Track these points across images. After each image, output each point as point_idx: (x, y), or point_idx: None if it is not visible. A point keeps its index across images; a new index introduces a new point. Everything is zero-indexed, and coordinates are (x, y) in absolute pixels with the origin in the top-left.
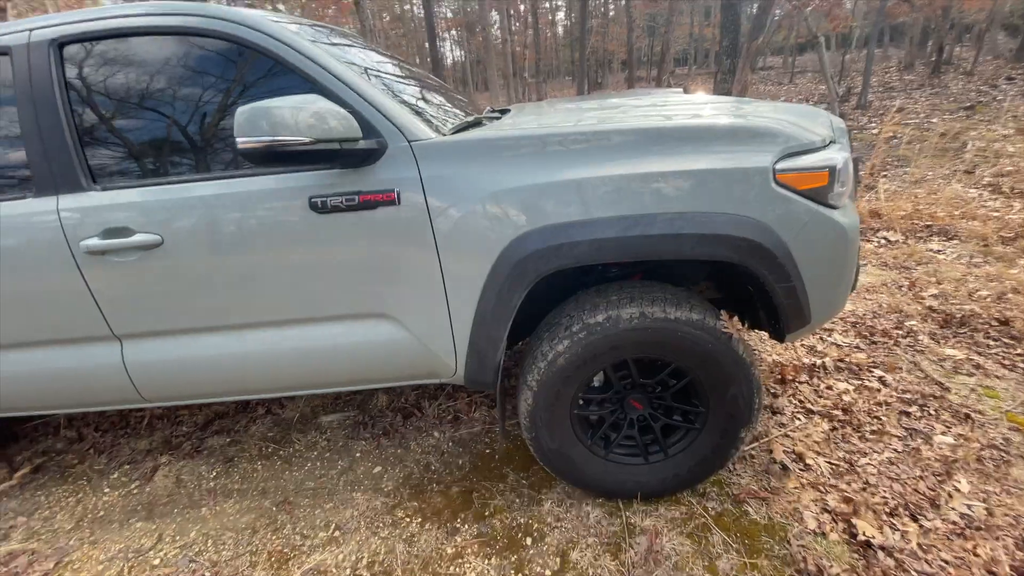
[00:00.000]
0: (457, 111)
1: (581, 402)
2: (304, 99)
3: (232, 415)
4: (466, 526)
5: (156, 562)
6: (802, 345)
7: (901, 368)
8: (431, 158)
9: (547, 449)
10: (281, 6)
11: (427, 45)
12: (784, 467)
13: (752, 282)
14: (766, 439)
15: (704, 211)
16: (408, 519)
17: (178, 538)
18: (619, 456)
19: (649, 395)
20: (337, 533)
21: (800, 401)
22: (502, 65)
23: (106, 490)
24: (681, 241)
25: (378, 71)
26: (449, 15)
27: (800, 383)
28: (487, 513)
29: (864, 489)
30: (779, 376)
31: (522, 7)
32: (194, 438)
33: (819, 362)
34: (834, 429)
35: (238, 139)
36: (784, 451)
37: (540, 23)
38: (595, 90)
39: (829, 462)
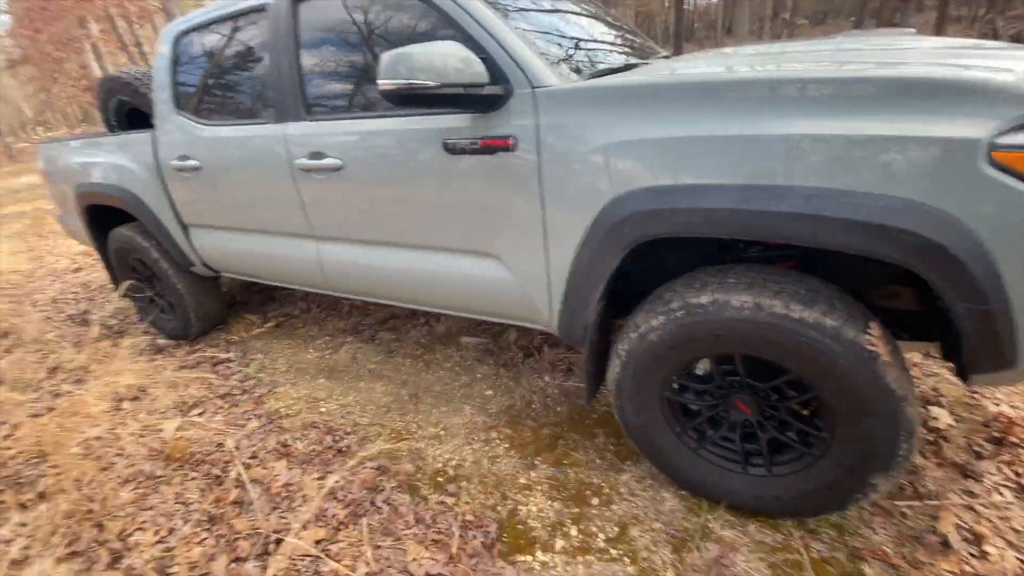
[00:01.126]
0: (624, 55)
1: (675, 386)
2: (441, 45)
3: (402, 318)
4: (544, 465)
5: (323, 410)
6: None
7: None
8: (552, 105)
9: (631, 423)
10: None
11: None
12: (946, 543)
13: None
14: (936, 502)
15: (862, 191)
16: (499, 441)
17: (341, 398)
18: (712, 455)
19: (760, 400)
20: (443, 432)
21: (1017, 474)
22: (758, 5)
23: (310, 351)
24: (819, 225)
25: (541, 14)
26: None
27: None
28: (566, 461)
29: None
30: (999, 433)
31: None
32: (372, 329)
33: None
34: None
35: (379, 81)
36: (957, 525)
37: None
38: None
39: (1022, 560)
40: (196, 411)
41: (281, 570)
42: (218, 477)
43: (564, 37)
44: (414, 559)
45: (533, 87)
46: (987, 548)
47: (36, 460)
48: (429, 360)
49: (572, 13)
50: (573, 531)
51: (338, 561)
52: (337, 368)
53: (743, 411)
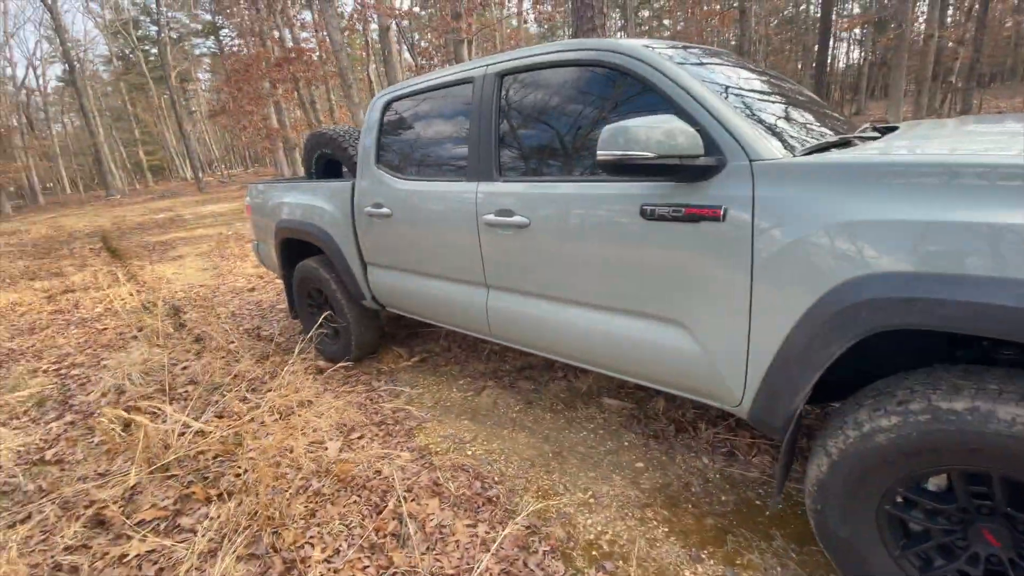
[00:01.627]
0: (824, 130)
1: (901, 499)
2: (658, 119)
3: (539, 368)
4: (712, 561)
5: (469, 452)
6: None
7: None
8: (770, 178)
9: (832, 533)
10: (666, 21)
11: (816, 48)
12: None
13: None
14: None
15: None
16: (656, 523)
17: (485, 443)
18: None
19: (1017, 532)
20: (592, 500)
21: None
22: (917, 66)
23: (454, 390)
24: None
25: (740, 88)
26: (856, 10)
27: None
28: (738, 561)
29: None
30: None
31: None
32: (511, 376)
33: None
34: None
35: (599, 152)
36: None
37: (999, 10)
38: None
39: None
40: (355, 435)
41: None
42: (377, 505)
43: (765, 111)
44: None
45: (751, 159)
46: None
47: (222, 459)
48: (571, 417)
49: (772, 85)
50: None
51: None
52: (480, 411)
53: (990, 543)
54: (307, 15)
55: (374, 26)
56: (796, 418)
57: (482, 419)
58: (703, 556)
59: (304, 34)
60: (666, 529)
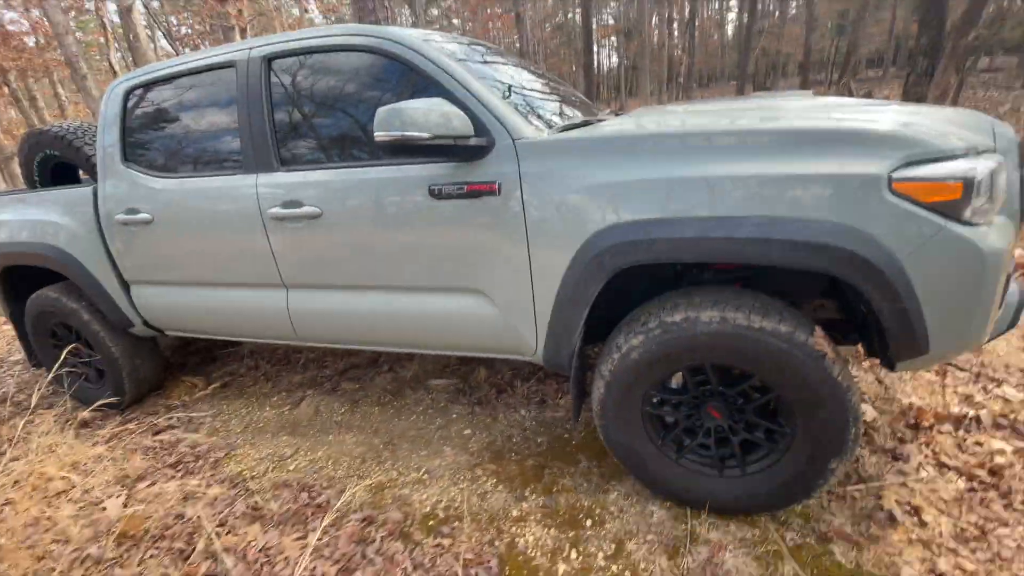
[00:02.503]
0: (576, 113)
1: (655, 400)
2: (431, 102)
3: (364, 367)
4: (533, 496)
5: (291, 467)
6: (955, 391)
7: None
8: (531, 155)
9: (615, 440)
10: (456, 20)
11: (583, 52)
12: (892, 517)
13: (863, 300)
14: (877, 484)
15: (800, 217)
16: (485, 478)
17: (309, 453)
18: (691, 463)
19: (730, 406)
20: (426, 476)
21: (935, 452)
22: (657, 70)
23: (267, 408)
24: (770, 247)
25: (511, 81)
26: (611, 22)
27: (940, 432)
28: (555, 489)
29: (992, 561)
30: (913, 420)
31: (687, 9)
32: (333, 380)
33: (973, 413)
34: (972, 490)
35: (376, 133)
36: (898, 501)
37: (708, 25)
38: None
39: (955, 524)
40: (144, 483)
41: None
42: (183, 551)
43: (526, 98)
44: None
45: (513, 139)
46: (925, 518)
47: None
48: (399, 406)
49: (527, 71)
50: (573, 554)
51: None
52: (300, 423)
53: (715, 417)
54: None
55: (113, 6)
56: (578, 353)
57: (303, 431)
58: (527, 494)
59: (9, 14)
60: (494, 481)
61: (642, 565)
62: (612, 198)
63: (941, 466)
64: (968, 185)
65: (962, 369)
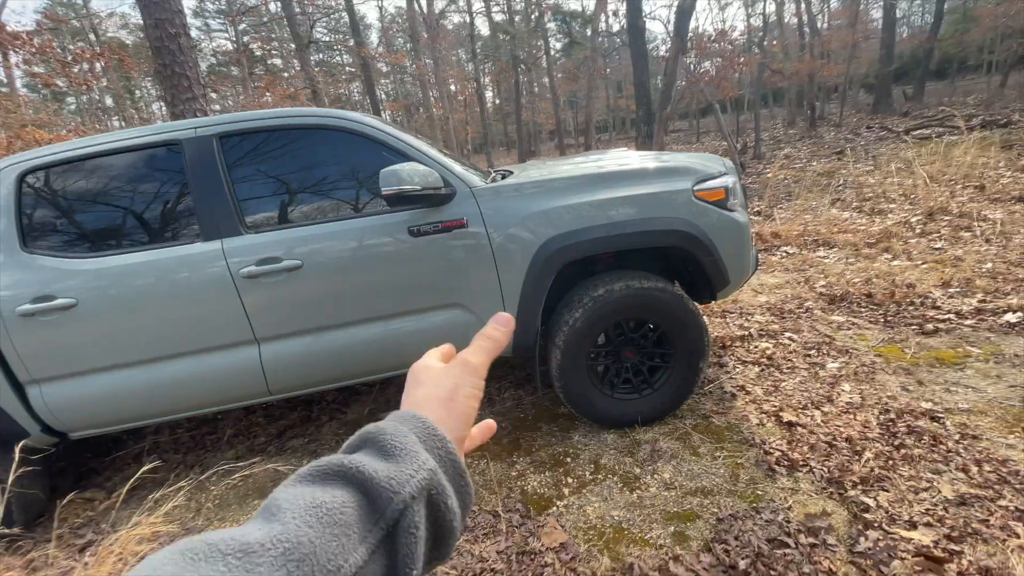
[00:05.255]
0: (488, 170)
1: (591, 356)
2: (412, 165)
3: (298, 425)
4: (521, 459)
5: None
6: (735, 324)
7: (803, 330)
8: (483, 198)
9: (573, 394)
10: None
11: None
12: (732, 395)
13: (690, 264)
14: (717, 381)
15: (658, 216)
16: (477, 461)
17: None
18: (622, 395)
19: (637, 346)
20: None
21: (738, 357)
22: (445, 140)
23: (211, 488)
24: (647, 235)
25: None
26: (386, 98)
27: (736, 347)
28: (534, 449)
29: (786, 398)
30: (721, 345)
31: (453, 88)
32: (274, 443)
33: (747, 332)
34: (763, 370)
35: (383, 188)
36: (731, 387)
37: (471, 101)
38: (530, 157)
39: (762, 389)
40: None
41: None
42: None
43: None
44: (480, 552)
45: (470, 188)
46: (748, 390)
47: None
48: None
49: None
50: (568, 479)
51: None
52: (264, 485)
53: (629, 357)
54: None
55: None
56: (539, 334)
57: (271, 489)
58: (515, 460)
59: None
60: (486, 460)
61: (615, 468)
62: (549, 219)
63: (743, 362)
64: (727, 190)
65: (730, 313)
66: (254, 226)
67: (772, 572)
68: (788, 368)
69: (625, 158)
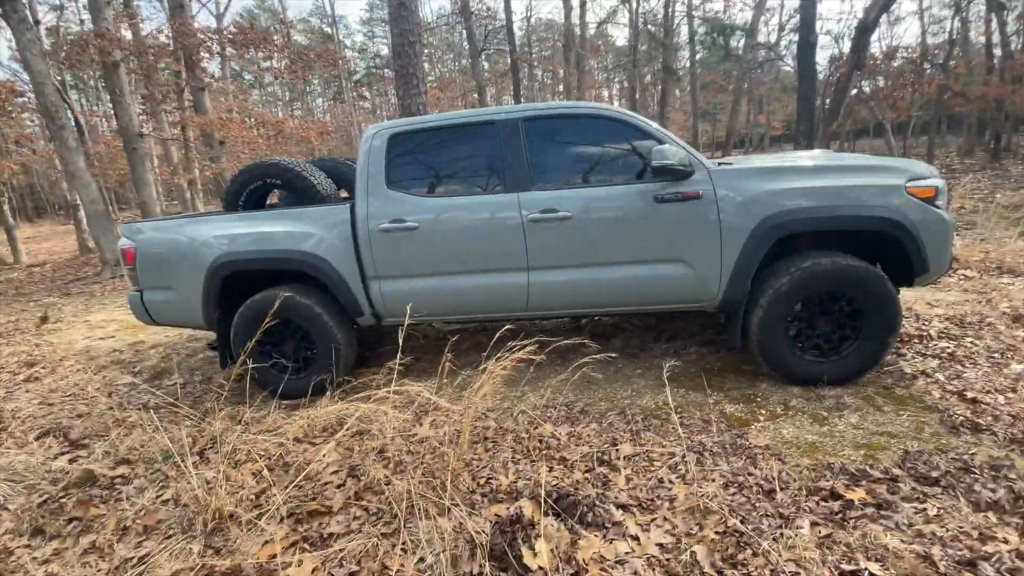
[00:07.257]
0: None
1: (788, 320)
2: (671, 146)
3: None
4: (715, 394)
5: (524, 408)
6: (912, 326)
7: (985, 338)
8: (718, 176)
9: (768, 350)
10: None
11: None
12: (913, 376)
13: (889, 252)
14: (896, 365)
15: (872, 204)
16: (677, 389)
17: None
18: (809, 357)
19: (831, 316)
20: (634, 394)
21: (917, 351)
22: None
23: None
24: (861, 219)
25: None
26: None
27: (915, 343)
28: (726, 388)
29: (968, 384)
30: (899, 339)
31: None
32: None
33: (925, 332)
34: (942, 362)
35: (653, 161)
36: (911, 370)
37: None
38: None
39: (944, 375)
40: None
41: None
42: (519, 439)
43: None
44: (699, 440)
45: (707, 168)
46: (928, 374)
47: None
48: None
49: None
50: (761, 412)
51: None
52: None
53: (822, 326)
54: None
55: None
56: (747, 293)
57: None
58: (709, 393)
59: None
60: (684, 390)
61: (804, 408)
62: (770, 199)
63: (922, 355)
64: (936, 189)
65: (905, 317)
66: (540, 185)
67: (960, 484)
68: (970, 364)
69: (838, 156)
